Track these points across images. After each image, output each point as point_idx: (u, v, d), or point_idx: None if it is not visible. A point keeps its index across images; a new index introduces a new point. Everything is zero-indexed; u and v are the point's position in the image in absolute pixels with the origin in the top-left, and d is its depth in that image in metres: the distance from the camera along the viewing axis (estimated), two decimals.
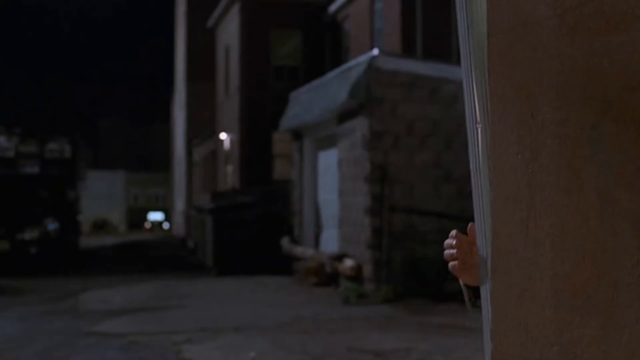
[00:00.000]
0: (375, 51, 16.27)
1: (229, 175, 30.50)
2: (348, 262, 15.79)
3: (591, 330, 1.71)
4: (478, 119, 2.02)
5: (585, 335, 1.72)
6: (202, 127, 39.57)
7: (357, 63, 16.28)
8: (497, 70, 1.91)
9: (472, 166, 2.10)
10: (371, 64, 15.28)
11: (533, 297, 1.83)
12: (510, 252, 1.90)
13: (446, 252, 2.20)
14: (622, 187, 1.64)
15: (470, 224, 2.20)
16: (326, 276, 17.14)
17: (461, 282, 2.35)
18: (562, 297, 1.76)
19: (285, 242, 20.95)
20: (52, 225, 25.71)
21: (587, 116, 1.71)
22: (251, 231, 21.48)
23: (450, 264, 2.19)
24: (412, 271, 14.55)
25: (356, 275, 15.41)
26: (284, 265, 20.11)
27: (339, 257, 16.49)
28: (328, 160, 18.82)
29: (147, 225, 79.12)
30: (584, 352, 1.73)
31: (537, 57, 1.81)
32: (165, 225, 73.88)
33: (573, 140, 1.73)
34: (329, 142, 18.64)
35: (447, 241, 2.19)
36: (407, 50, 19.63)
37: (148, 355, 10.00)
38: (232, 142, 29.76)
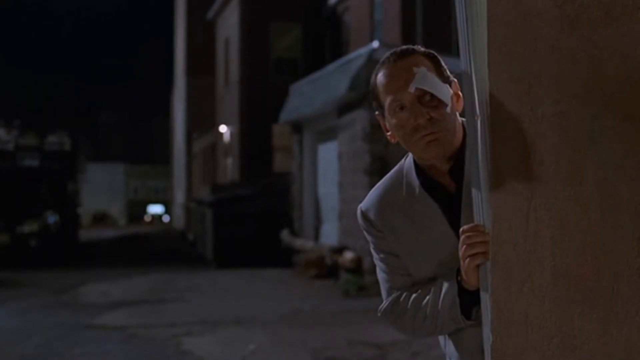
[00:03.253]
0: (375, 43, 16.25)
1: (229, 168, 30.50)
2: (348, 255, 15.79)
3: (591, 322, 1.71)
4: (477, 111, 2.02)
5: (585, 327, 1.72)
6: (202, 120, 39.56)
7: (357, 55, 16.26)
8: (497, 63, 1.91)
9: (471, 159, 2.09)
10: (371, 56, 15.26)
11: (533, 289, 1.83)
12: (510, 244, 1.90)
13: (475, 249, 2.03)
14: (622, 179, 1.64)
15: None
16: (326, 268, 17.15)
17: (456, 295, 2.21)
18: (562, 289, 1.76)
19: (285, 234, 20.95)
20: (52, 218, 25.68)
21: (587, 109, 1.71)
22: (251, 224, 21.47)
23: (478, 260, 2.04)
24: None
25: (356, 268, 15.42)
26: (283, 258, 20.10)
27: (339, 250, 16.49)
28: (328, 153, 18.81)
29: (147, 218, 79.15)
30: (584, 344, 1.73)
31: (537, 49, 1.80)
32: (165, 218, 73.89)
33: (573, 133, 1.73)
34: (328, 134, 18.63)
35: (476, 236, 2.03)
36: (407, 42, 19.46)
37: (148, 348, 10.01)
38: (232, 134, 29.75)
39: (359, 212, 2.48)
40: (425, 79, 2.19)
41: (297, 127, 20.82)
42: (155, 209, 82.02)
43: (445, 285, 2.24)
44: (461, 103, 2.25)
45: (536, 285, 1.82)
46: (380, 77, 2.30)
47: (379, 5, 22.46)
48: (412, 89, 2.20)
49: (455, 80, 2.29)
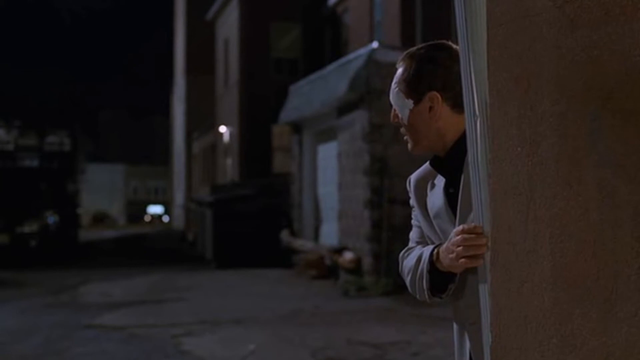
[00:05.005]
0: (375, 44, 16.25)
1: (229, 168, 30.49)
2: (347, 255, 15.79)
3: (591, 322, 1.71)
4: (476, 112, 2.02)
5: (584, 327, 1.72)
6: (201, 120, 39.56)
7: (356, 56, 16.26)
8: (496, 62, 1.91)
9: (470, 158, 2.10)
10: (371, 56, 15.25)
11: (532, 289, 1.83)
12: (509, 244, 1.90)
13: (472, 252, 2.16)
14: (621, 178, 1.64)
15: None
16: (326, 269, 17.15)
17: (426, 275, 2.47)
18: (561, 288, 1.76)
19: (284, 235, 20.95)
20: (51, 219, 25.70)
21: (587, 108, 1.71)
22: (251, 224, 21.46)
23: (473, 263, 2.18)
24: None
25: (356, 268, 15.42)
26: (283, 258, 20.11)
27: (339, 250, 16.49)
28: (327, 153, 18.81)
29: (147, 218, 79.14)
30: (583, 344, 1.73)
31: (536, 49, 1.80)
32: (165, 218, 73.87)
33: (573, 133, 1.73)
34: (328, 134, 18.63)
35: (474, 239, 2.15)
36: (407, 42, 19.58)
37: (147, 348, 10.01)
38: (231, 135, 29.74)
39: (409, 177, 2.88)
40: (392, 94, 2.65)
41: (297, 127, 20.82)
42: (155, 209, 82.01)
43: (423, 260, 2.50)
44: (434, 113, 2.56)
45: (535, 285, 1.82)
46: None
47: (378, 5, 22.46)
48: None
49: (434, 92, 2.56)
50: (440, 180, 2.62)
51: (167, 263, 23.34)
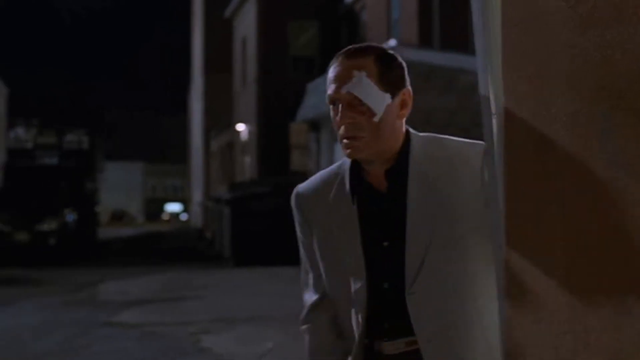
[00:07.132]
0: (392, 42, 16.25)
1: (247, 166, 30.56)
2: None
3: (604, 318, 1.72)
4: (493, 110, 2.03)
5: (598, 323, 1.73)
6: (219, 118, 39.66)
7: None
8: (510, 62, 1.92)
9: (487, 158, 2.11)
10: None
11: (546, 288, 1.84)
12: (523, 242, 1.91)
13: None
14: (632, 178, 1.65)
15: None
16: None
17: None
18: (575, 285, 1.78)
19: None
20: (70, 217, 25.80)
21: (600, 107, 1.72)
22: (268, 222, 21.44)
23: None
24: None
25: None
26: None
27: None
28: None
29: (165, 217, 79.38)
30: (597, 340, 1.74)
31: (549, 48, 1.81)
32: (183, 217, 74.07)
33: (585, 132, 1.74)
34: None
35: None
36: (424, 40, 19.56)
37: (166, 346, 10.05)
38: (249, 133, 29.81)
39: (294, 190, 2.65)
40: (359, 85, 2.26)
41: (315, 125, 20.84)
42: (173, 207, 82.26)
43: None
44: (407, 111, 2.38)
45: (549, 283, 1.83)
46: (330, 68, 2.37)
47: (395, 2, 22.44)
48: (344, 90, 2.28)
49: (409, 88, 2.38)
50: (343, 195, 2.42)
51: (185, 261, 23.40)
